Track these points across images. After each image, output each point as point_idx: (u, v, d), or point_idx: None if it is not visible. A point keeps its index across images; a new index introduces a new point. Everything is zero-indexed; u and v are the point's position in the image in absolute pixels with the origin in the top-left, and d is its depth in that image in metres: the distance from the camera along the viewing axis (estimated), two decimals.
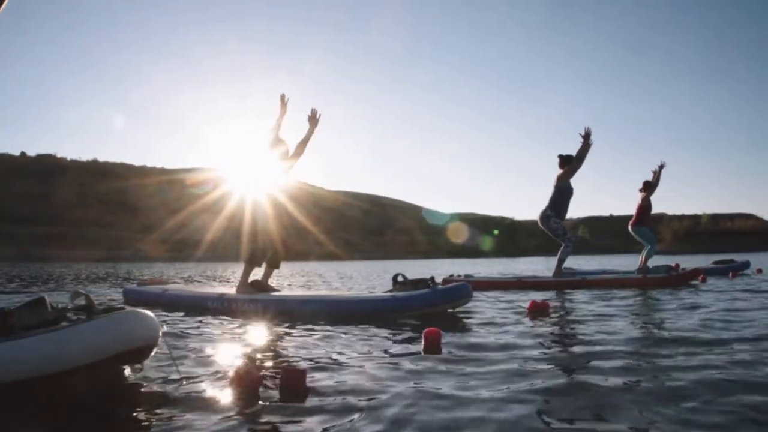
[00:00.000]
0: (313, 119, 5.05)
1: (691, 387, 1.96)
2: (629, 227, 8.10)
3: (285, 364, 2.48)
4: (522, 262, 31.09)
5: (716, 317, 3.82)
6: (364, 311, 4.19)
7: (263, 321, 4.12)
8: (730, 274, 9.09)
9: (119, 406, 1.96)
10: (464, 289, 4.33)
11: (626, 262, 15.48)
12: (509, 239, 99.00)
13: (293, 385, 2.04)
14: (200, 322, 4.11)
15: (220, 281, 11.16)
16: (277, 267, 5.05)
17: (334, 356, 2.70)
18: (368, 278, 12.07)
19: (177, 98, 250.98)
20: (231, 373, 2.08)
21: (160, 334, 2.24)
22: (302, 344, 3.09)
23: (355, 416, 1.74)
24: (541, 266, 17.75)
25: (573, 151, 7.09)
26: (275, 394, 2.00)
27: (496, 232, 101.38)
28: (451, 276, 7.78)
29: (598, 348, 2.76)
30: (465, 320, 3.97)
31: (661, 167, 8.05)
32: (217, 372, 2.34)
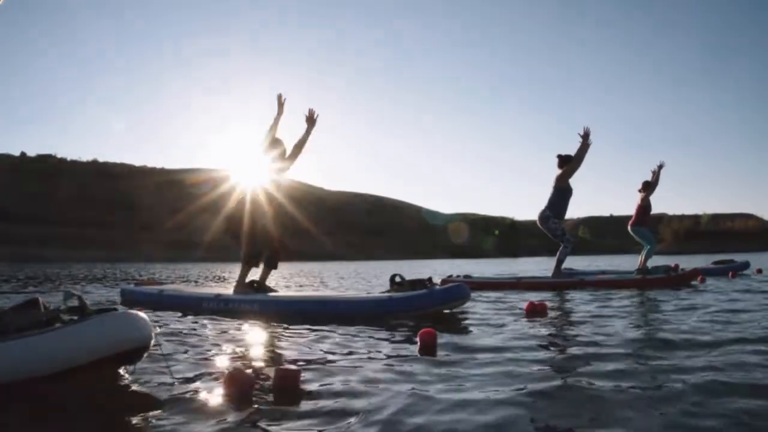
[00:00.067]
0: (311, 120, 5.04)
1: (688, 389, 1.94)
2: (629, 227, 8.09)
3: (279, 364, 2.46)
4: (522, 263, 31.07)
5: (715, 318, 3.80)
6: (361, 312, 4.18)
7: (259, 321, 4.11)
8: (730, 275, 9.06)
9: (111, 407, 1.95)
10: (462, 289, 4.31)
11: (626, 263, 15.45)
12: (509, 239, 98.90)
13: (287, 386, 2.03)
14: (196, 322, 4.09)
15: (219, 281, 11.15)
16: (275, 267, 5.03)
17: (329, 357, 2.68)
18: (367, 279, 12.06)
19: (177, 98, 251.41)
20: (224, 374, 2.06)
21: (153, 335, 2.23)
22: (297, 345, 3.07)
23: (349, 418, 1.72)
24: (541, 266, 17.73)
25: (572, 151, 7.08)
26: (268, 395, 1.99)
27: (496, 232, 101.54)
28: (450, 276, 7.77)
29: (595, 349, 2.74)
30: (461, 321, 3.96)
31: (661, 167, 8.05)
32: (210, 373, 2.33)
